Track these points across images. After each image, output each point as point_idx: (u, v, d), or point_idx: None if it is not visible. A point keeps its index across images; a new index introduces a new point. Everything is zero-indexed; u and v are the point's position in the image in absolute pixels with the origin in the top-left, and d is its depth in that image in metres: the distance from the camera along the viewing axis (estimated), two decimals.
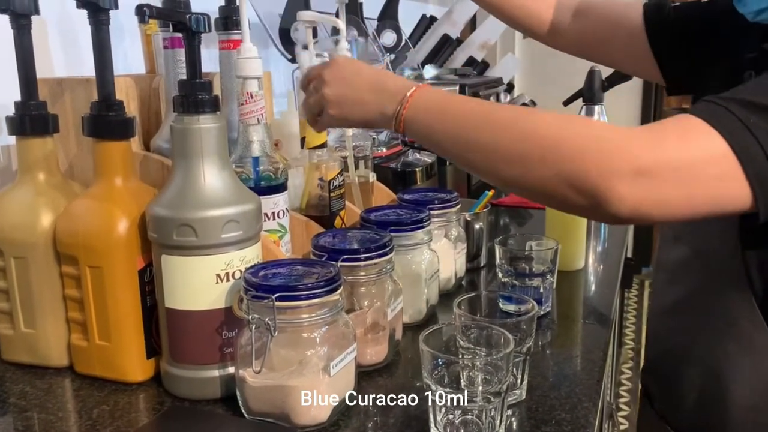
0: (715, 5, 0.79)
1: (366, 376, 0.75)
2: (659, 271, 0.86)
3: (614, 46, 0.90)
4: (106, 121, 0.72)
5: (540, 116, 0.61)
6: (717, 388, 0.73)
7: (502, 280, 0.94)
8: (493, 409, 0.60)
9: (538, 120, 0.61)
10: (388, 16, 1.64)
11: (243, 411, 0.67)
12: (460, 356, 0.67)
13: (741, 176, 0.55)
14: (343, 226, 0.95)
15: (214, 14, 0.86)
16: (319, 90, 0.71)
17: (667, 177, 0.55)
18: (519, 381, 0.71)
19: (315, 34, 0.97)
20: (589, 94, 1.61)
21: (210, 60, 1.09)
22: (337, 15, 1.01)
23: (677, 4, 0.86)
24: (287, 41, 1.22)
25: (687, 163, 0.55)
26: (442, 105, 0.66)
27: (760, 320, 0.68)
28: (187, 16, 0.69)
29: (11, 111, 0.76)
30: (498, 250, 0.94)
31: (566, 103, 1.84)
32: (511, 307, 0.79)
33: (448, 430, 0.61)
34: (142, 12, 0.65)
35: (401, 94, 0.67)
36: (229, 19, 0.87)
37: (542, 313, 0.93)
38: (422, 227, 0.87)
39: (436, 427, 0.62)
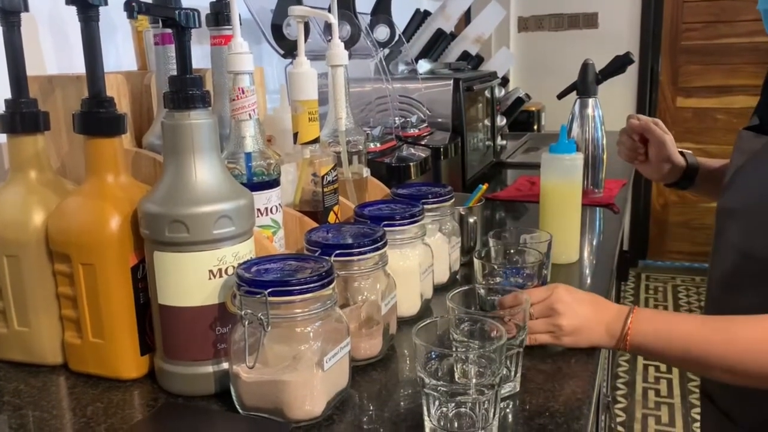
0: None
1: (360, 371, 0.76)
2: (713, 281, 0.97)
3: None
4: (97, 117, 0.72)
5: (753, 339, 0.73)
6: None
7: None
8: (486, 402, 0.60)
9: (752, 343, 0.73)
10: (381, 10, 1.63)
11: (237, 406, 0.67)
12: (454, 349, 0.67)
13: None
14: (337, 221, 0.95)
15: (206, 10, 0.85)
16: (553, 318, 0.80)
17: None
18: (513, 373, 0.71)
19: (307, 30, 0.97)
20: (583, 87, 1.60)
21: (204, 57, 1.09)
22: (329, 10, 1.01)
23: None
24: (279, 37, 1.21)
25: None
26: (662, 332, 0.77)
27: None
28: (176, 12, 0.69)
29: (1, 109, 0.76)
30: (492, 243, 0.94)
31: (560, 96, 1.83)
32: None
33: (441, 422, 0.61)
34: (130, 7, 0.64)
35: (620, 321, 0.78)
36: (220, 14, 0.87)
37: None
38: (416, 221, 0.87)
39: (430, 419, 0.62)
